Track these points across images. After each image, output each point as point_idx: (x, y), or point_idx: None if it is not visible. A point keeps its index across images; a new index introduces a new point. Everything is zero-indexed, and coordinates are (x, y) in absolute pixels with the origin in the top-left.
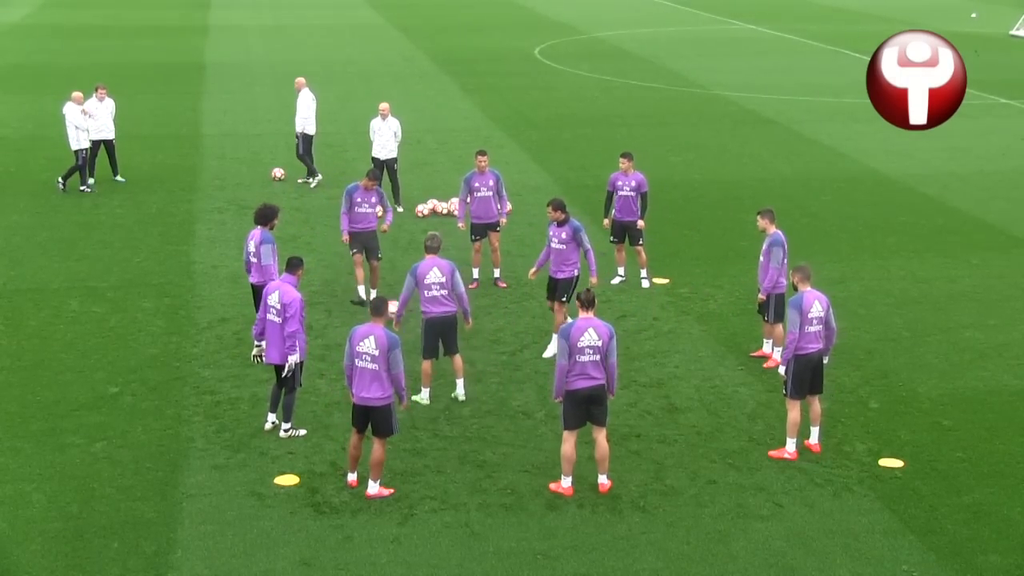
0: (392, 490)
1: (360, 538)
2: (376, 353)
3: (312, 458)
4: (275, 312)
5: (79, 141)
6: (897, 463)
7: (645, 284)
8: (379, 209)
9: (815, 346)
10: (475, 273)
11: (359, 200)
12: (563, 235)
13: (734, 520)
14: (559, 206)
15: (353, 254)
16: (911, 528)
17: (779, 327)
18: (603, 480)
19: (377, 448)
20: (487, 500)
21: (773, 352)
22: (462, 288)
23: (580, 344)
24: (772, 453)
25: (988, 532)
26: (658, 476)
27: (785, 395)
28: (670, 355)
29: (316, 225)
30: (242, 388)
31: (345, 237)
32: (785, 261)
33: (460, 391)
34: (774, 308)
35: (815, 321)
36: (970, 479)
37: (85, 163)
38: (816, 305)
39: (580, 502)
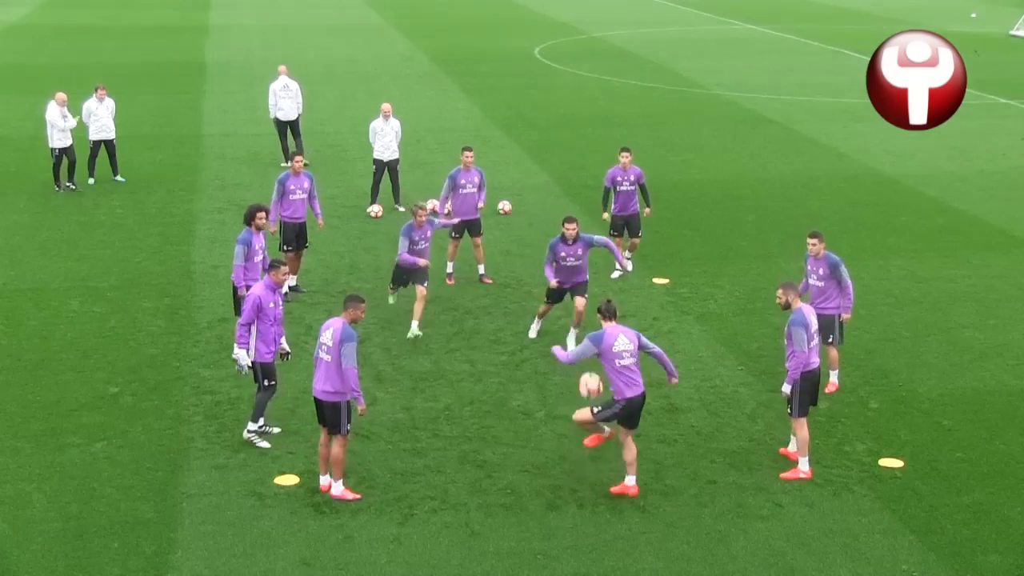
0: (359, 496)
1: (360, 538)
2: (331, 344)
3: (312, 458)
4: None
5: (53, 140)
6: (897, 463)
7: (628, 266)
8: (317, 206)
9: (816, 361)
10: (449, 267)
11: (292, 188)
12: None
13: (734, 520)
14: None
15: (286, 251)
16: (911, 528)
17: (833, 350)
18: (631, 482)
19: (334, 447)
20: (487, 500)
21: (831, 375)
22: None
23: (616, 349)
24: (785, 475)
25: (988, 532)
26: (658, 476)
27: (791, 415)
28: (670, 355)
29: (315, 225)
30: (242, 388)
31: (273, 228)
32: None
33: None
34: (839, 330)
35: (815, 335)
36: (970, 479)
37: (59, 162)
38: (812, 318)
39: (580, 502)
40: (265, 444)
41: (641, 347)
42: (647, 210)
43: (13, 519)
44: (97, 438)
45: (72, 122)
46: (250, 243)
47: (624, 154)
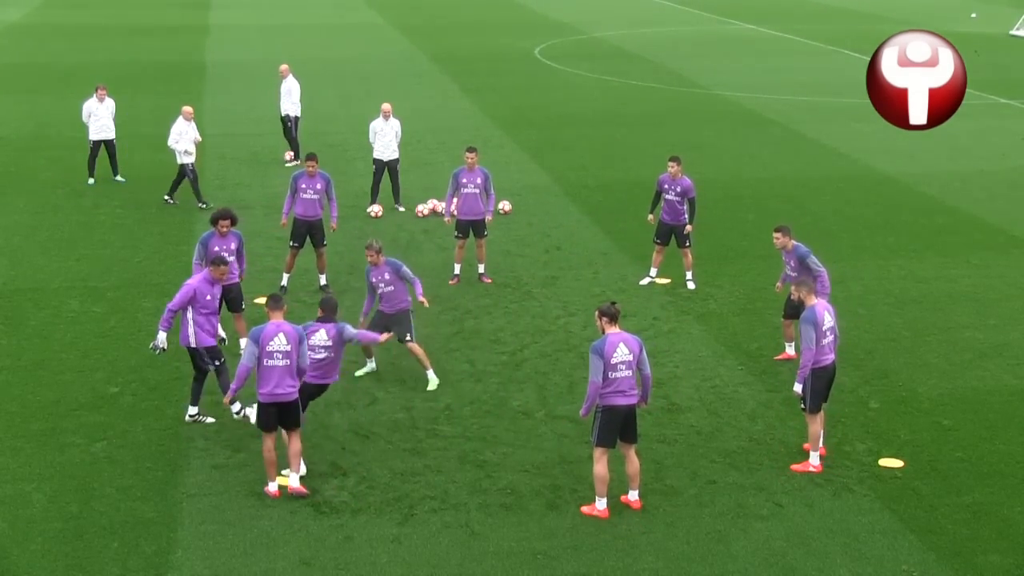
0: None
1: (360, 538)
2: (288, 349)
3: (312, 458)
4: None
5: (180, 156)
6: (897, 463)
7: (691, 286)
8: (333, 208)
9: (830, 357)
10: (456, 269)
11: (304, 187)
12: None
13: (734, 520)
14: None
15: (291, 246)
16: (911, 528)
17: None
18: (634, 497)
19: (294, 440)
20: (487, 500)
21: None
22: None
23: (614, 360)
24: (795, 467)
25: (988, 532)
26: (658, 476)
27: (804, 410)
28: (670, 355)
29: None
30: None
31: (284, 221)
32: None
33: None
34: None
35: (828, 332)
36: (970, 479)
37: (195, 176)
38: (827, 316)
39: (580, 502)
40: (251, 410)
41: (638, 362)
42: (688, 227)
43: (13, 519)
44: (97, 438)
45: (93, 122)
46: (207, 243)
47: (671, 164)
